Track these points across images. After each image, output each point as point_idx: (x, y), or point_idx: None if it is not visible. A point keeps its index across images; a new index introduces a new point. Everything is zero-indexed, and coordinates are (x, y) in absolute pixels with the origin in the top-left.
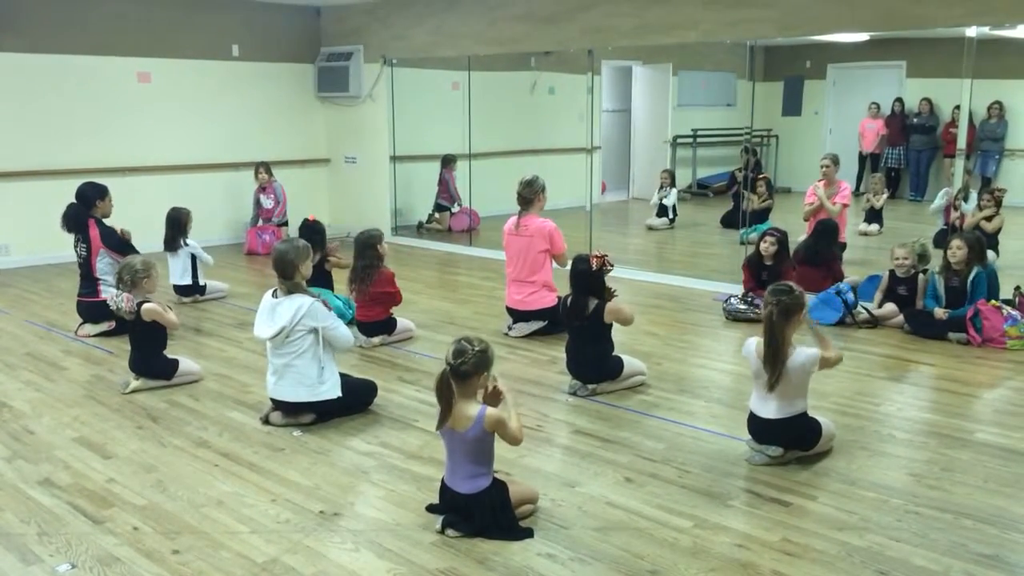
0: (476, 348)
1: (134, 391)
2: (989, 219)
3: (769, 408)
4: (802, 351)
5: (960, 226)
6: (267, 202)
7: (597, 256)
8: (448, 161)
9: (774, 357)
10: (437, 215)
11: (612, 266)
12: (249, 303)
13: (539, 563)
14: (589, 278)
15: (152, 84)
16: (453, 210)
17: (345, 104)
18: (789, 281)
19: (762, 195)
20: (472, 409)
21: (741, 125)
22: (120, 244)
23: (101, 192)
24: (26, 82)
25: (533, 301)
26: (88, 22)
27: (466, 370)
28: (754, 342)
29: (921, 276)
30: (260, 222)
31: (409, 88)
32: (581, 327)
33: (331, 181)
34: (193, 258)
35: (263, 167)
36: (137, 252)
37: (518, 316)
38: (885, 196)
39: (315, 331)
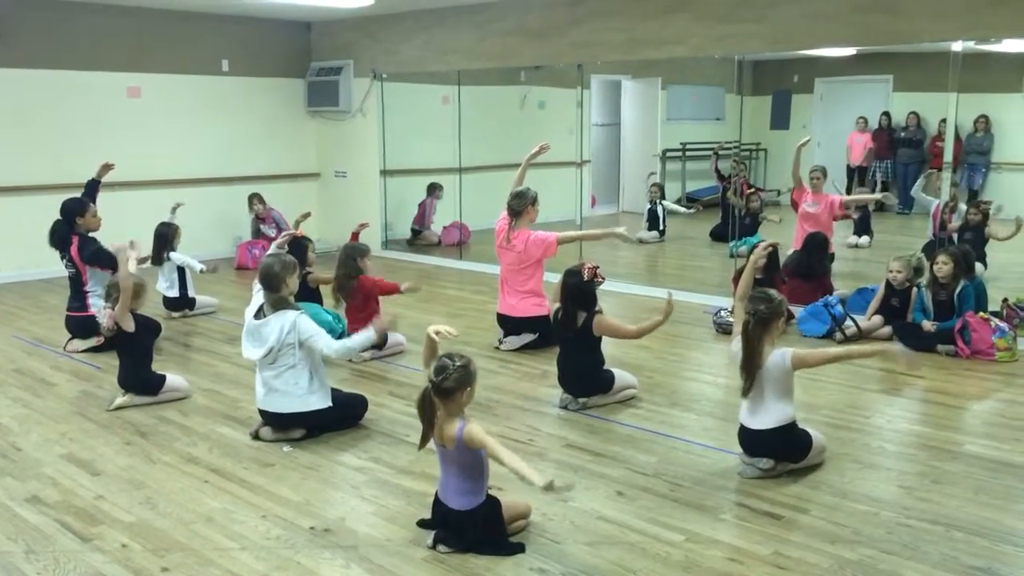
0: (457, 364)
1: (119, 407)
2: (984, 223)
3: (756, 418)
4: (781, 355)
5: (949, 216)
6: (269, 231)
7: (589, 267)
8: (434, 188)
9: (748, 364)
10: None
11: (603, 279)
12: (239, 318)
13: None
14: (580, 289)
15: (142, 99)
16: (425, 234)
17: (335, 119)
18: (770, 290)
19: (754, 208)
20: (453, 428)
21: (730, 139)
22: (96, 256)
23: (82, 207)
24: (15, 97)
25: (525, 308)
26: (77, 37)
27: (448, 386)
28: (738, 346)
29: (914, 289)
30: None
31: (399, 102)
32: (571, 339)
33: (321, 195)
34: (180, 271)
35: (256, 197)
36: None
37: (509, 326)
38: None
39: (303, 344)
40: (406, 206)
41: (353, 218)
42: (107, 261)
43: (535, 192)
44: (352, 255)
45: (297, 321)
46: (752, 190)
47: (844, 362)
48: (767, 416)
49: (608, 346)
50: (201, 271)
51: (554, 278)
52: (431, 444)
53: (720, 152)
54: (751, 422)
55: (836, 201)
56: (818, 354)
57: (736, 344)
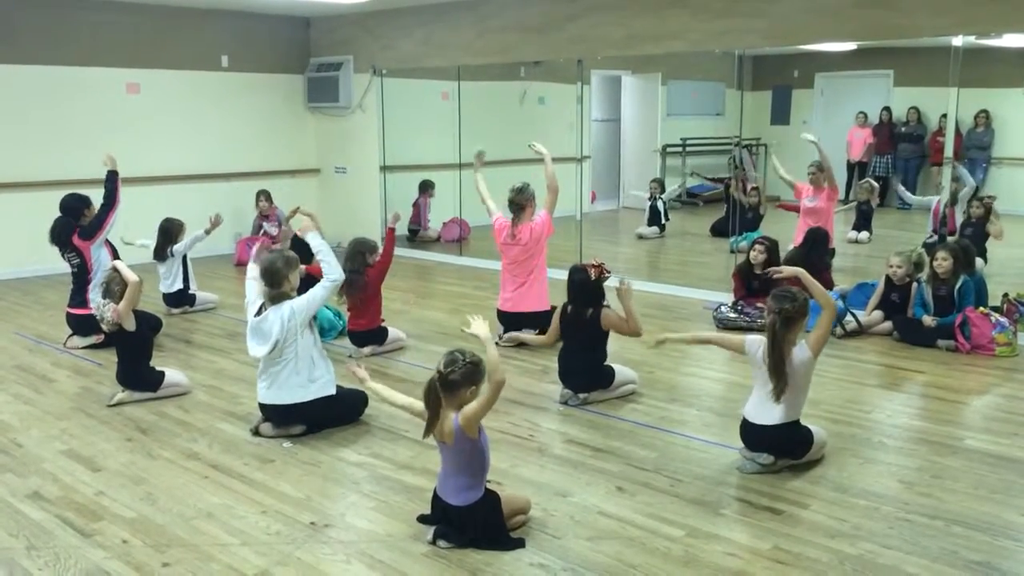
0: (467, 360)
1: (119, 403)
2: (988, 222)
3: (763, 413)
4: (801, 348)
5: (950, 218)
6: (271, 229)
7: (595, 265)
8: (426, 186)
9: (778, 366)
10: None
11: (610, 273)
12: (239, 314)
13: (531, 573)
14: (588, 286)
15: (141, 95)
16: (422, 234)
17: (335, 114)
18: (792, 288)
19: (753, 202)
20: (450, 421)
21: (730, 134)
22: (93, 223)
23: (86, 202)
24: (14, 93)
25: (526, 304)
26: (76, 33)
27: (454, 379)
28: (758, 344)
29: (914, 284)
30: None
31: (399, 98)
32: (577, 335)
33: (321, 191)
34: (184, 265)
35: (263, 195)
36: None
37: (510, 321)
38: (876, 190)
39: (307, 329)
40: (406, 202)
41: (353, 214)
42: (108, 202)
43: (534, 188)
44: (361, 250)
45: (293, 305)
46: (753, 185)
47: (821, 302)
48: (776, 412)
49: (608, 341)
50: (207, 231)
51: (557, 274)
52: (431, 439)
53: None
54: (757, 417)
55: (830, 190)
56: (819, 327)
57: (751, 345)
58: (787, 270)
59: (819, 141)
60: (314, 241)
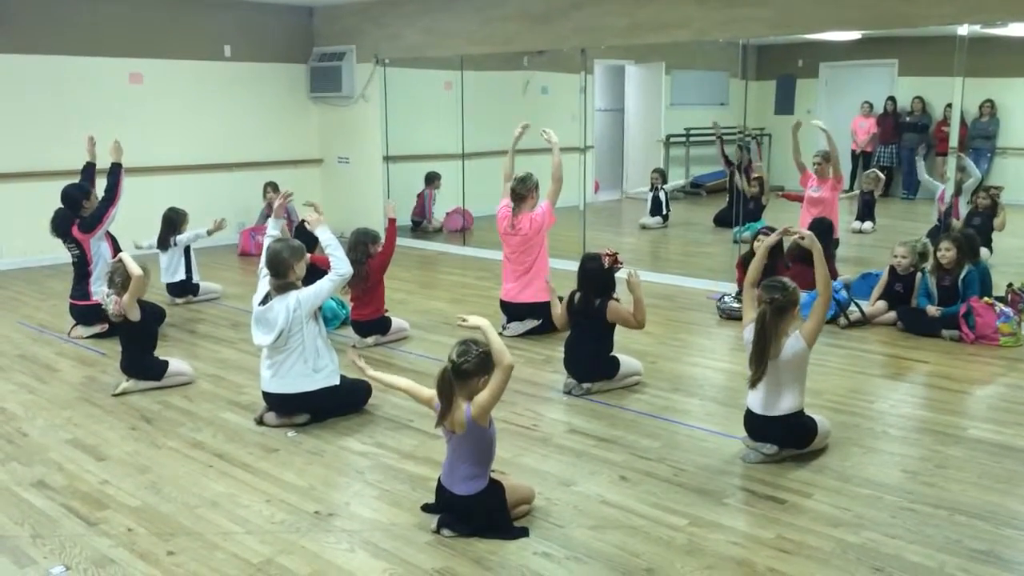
0: (480, 349)
1: (123, 392)
2: (995, 213)
3: (767, 405)
4: (795, 338)
5: (955, 208)
6: None
7: (609, 254)
8: (432, 178)
9: (760, 354)
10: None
11: (622, 264)
12: (243, 304)
13: (535, 562)
14: (599, 275)
15: (144, 85)
16: (425, 226)
17: (338, 104)
18: (783, 278)
19: (755, 192)
20: (461, 412)
21: (734, 124)
22: (93, 217)
23: (85, 192)
24: (17, 83)
25: (529, 294)
26: (79, 23)
27: (467, 369)
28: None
29: (919, 274)
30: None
31: (402, 88)
32: (584, 324)
33: (324, 182)
34: (186, 256)
35: (271, 186)
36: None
37: (512, 312)
38: (882, 181)
39: (312, 319)
40: (409, 192)
41: (356, 205)
42: (109, 196)
43: (537, 178)
44: (363, 240)
45: (299, 297)
46: (756, 175)
47: (824, 290)
48: (780, 403)
49: (615, 332)
50: (209, 232)
51: (559, 264)
52: (436, 430)
53: (723, 136)
54: (761, 408)
55: (834, 180)
56: (814, 316)
57: (749, 332)
58: (807, 236)
59: (828, 129)
60: (323, 235)
